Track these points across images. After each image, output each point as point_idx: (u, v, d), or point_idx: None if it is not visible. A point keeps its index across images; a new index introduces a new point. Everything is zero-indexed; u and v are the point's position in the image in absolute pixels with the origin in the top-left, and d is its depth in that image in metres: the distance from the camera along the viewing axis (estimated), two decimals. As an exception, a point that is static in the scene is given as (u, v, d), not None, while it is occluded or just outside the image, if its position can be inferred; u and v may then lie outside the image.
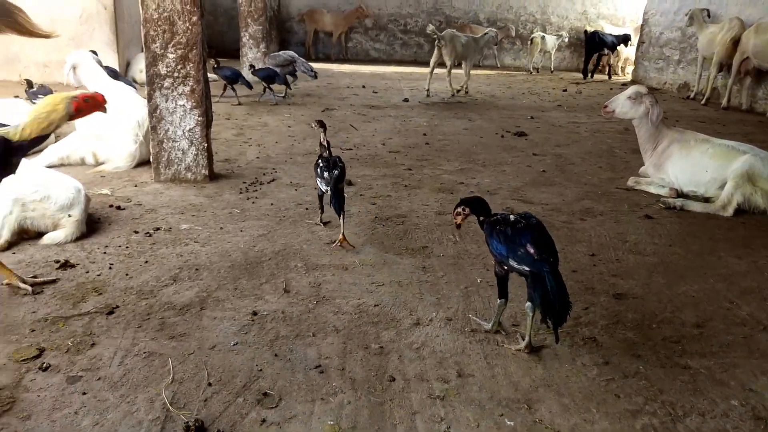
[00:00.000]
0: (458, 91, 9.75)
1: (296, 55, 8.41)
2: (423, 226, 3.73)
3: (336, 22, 14.52)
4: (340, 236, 3.35)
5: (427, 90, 9.46)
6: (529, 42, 13.99)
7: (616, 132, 7.18)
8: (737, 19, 9.06)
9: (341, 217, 3.34)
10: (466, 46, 9.37)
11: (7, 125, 2.57)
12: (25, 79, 6.71)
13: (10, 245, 3.11)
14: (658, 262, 3.36)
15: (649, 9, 12.57)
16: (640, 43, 12.89)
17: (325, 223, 3.64)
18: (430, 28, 9.12)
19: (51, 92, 5.55)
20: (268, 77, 7.97)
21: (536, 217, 2.37)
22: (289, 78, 8.41)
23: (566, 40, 14.18)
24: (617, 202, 4.42)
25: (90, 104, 2.65)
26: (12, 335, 2.33)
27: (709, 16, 9.92)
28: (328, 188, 3.35)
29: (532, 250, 2.21)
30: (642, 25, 13.01)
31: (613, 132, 7.18)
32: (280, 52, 8.62)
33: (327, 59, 14.77)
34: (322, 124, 3.57)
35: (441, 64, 9.28)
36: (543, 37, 13.85)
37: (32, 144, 2.55)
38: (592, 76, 13.22)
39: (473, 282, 2.99)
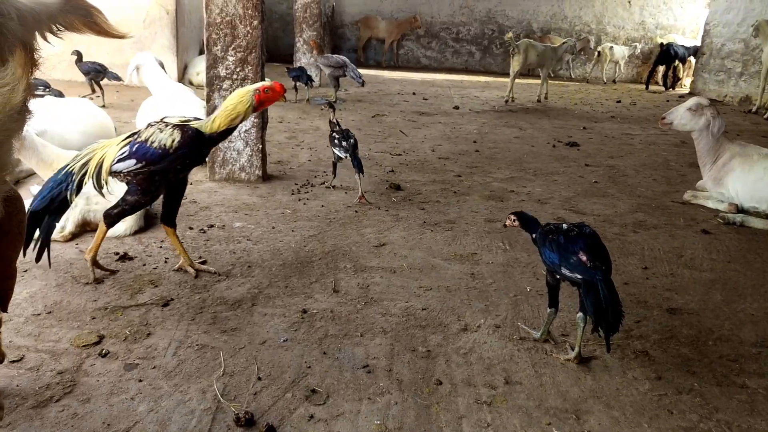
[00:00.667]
0: (538, 100, 10.19)
1: (348, 61, 8.50)
2: (472, 232, 3.72)
3: (389, 29, 14.63)
4: (360, 194, 4.13)
5: (509, 97, 9.83)
6: (596, 53, 13.72)
7: (672, 144, 6.99)
8: None
9: (360, 178, 4.13)
10: (542, 55, 9.60)
11: (200, 119, 2.78)
12: (75, 51, 7.02)
13: (73, 236, 3.25)
14: (716, 278, 3.25)
15: (711, 20, 12.21)
16: (701, 54, 12.53)
17: (333, 187, 4.33)
18: (508, 35, 9.28)
19: (48, 86, 5.72)
20: (296, 76, 8.26)
21: (590, 227, 2.35)
22: (332, 83, 8.56)
23: (639, 51, 13.97)
24: (672, 216, 4.30)
25: (270, 95, 2.76)
26: (74, 321, 2.43)
27: None
28: (347, 154, 4.08)
29: (584, 258, 2.19)
30: (703, 36, 12.65)
31: (668, 144, 7.00)
32: (333, 55, 8.74)
33: (378, 65, 14.89)
34: (331, 106, 4.42)
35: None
36: (611, 48, 13.65)
37: (221, 136, 2.74)
38: (673, 88, 13.11)
39: (522, 290, 2.96)
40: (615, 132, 7.70)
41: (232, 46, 4.22)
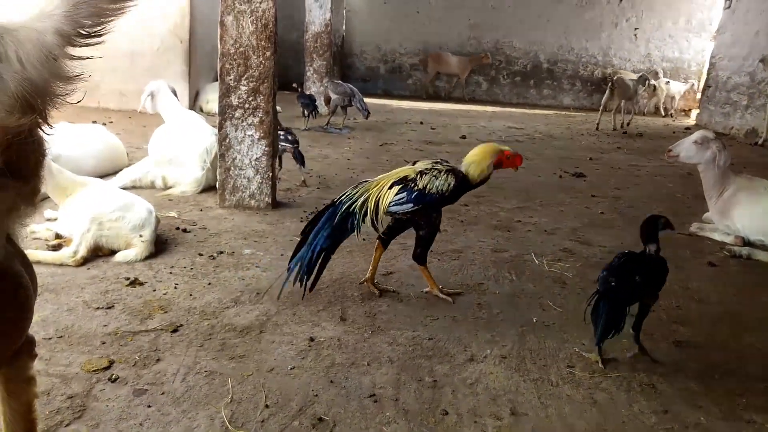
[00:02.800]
0: (621, 126, 11.29)
1: (356, 90, 8.64)
2: (479, 262, 3.74)
3: (461, 65, 14.88)
4: (302, 180, 5.21)
5: (597, 124, 11.11)
6: (653, 88, 13.69)
7: (678, 176, 7.02)
8: None
9: (303, 168, 5.20)
10: (631, 89, 10.93)
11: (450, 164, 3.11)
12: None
13: (85, 261, 3.29)
14: (723, 311, 3.25)
15: (717, 53, 12.34)
16: (706, 86, 12.62)
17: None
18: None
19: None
20: (306, 104, 8.39)
21: (655, 256, 2.54)
22: (341, 111, 8.68)
23: (695, 86, 14.12)
24: (679, 248, 4.31)
25: (509, 161, 3.05)
26: (85, 346, 2.46)
27: None
28: (293, 146, 5.07)
29: (603, 273, 2.50)
30: (708, 69, 12.76)
31: (674, 176, 7.03)
32: (343, 83, 8.88)
33: (438, 98, 15.07)
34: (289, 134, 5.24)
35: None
36: (668, 83, 13.86)
37: (477, 185, 3.10)
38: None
39: (529, 321, 2.97)
40: (621, 163, 7.75)
41: (245, 76, 4.31)
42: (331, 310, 2.94)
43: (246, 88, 4.33)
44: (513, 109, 13.86)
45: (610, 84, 10.79)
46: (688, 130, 10.89)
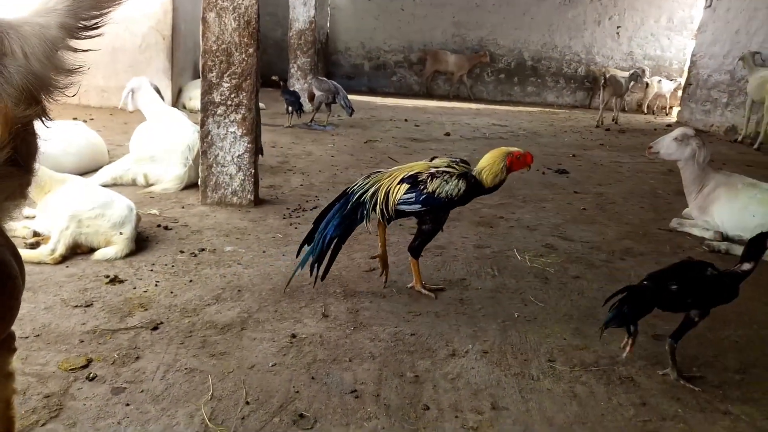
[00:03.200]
0: (613, 121, 11.77)
1: (340, 87, 8.61)
2: (461, 258, 3.75)
3: (459, 63, 14.83)
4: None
5: (599, 122, 11.40)
6: (645, 85, 13.79)
7: (659, 173, 7.09)
8: None
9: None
10: (623, 86, 11.25)
11: (466, 163, 3.09)
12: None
13: (64, 259, 3.25)
14: (701, 305, 3.29)
15: (698, 51, 12.47)
16: (687, 84, 12.76)
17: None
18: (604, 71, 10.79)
19: None
20: (291, 102, 8.33)
21: (718, 273, 2.43)
22: (325, 108, 8.65)
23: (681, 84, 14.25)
24: (659, 243, 4.35)
25: (520, 161, 3.02)
26: (62, 345, 2.43)
27: (762, 59, 9.81)
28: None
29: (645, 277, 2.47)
30: (689, 67, 12.89)
31: (655, 173, 7.09)
32: (327, 80, 8.85)
33: (443, 98, 15.06)
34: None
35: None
36: (660, 81, 13.95)
37: (490, 191, 3.07)
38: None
39: (510, 316, 2.98)
40: (604, 160, 7.81)
41: (228, 72, 4.28)
42: (314, 307, 2.93)
43: (228, 85, 4.30)
44: (497, 107, 13.91)
45: (603, 81, 11.03)
46: (669, 127, 10.99)
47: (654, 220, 4.96)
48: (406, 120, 10.26)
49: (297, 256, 3.03)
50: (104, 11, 1.16)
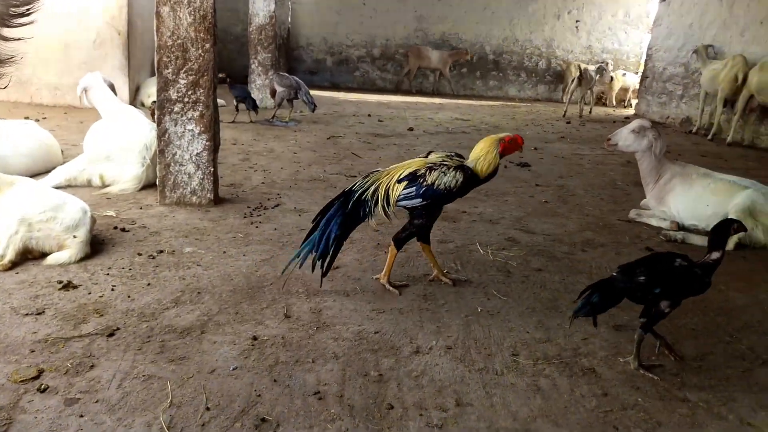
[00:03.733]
0: (586, 112, 12.26)
1: (301, 83, 8.53)
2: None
3: (442, 59, 14.80)
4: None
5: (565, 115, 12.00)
6: (610, 78, 13.90)
7: (619, 164, 7.21)
8: (740, 56, 9.15)
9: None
10: (593, 80, 11.80)
11: (462, 157, 3.14)
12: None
13: (14, 265, 3.13)
14: (659, 294, 3.34)
15: (653, 44, 12.73)
16: (644, 77, 13.02)
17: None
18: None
19: None
20: (242, 98, 8.14)
21: (687, 265, 2.45)
22: (287, 104, 8.54)
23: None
24: (618, 234, 4.42)
25: (512, 145, 3.07)
26: (11, 356, 2.33)
27: (714, 52, 10.07)
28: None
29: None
30: (646, 60, 13.16)
31: (615, 164, 7.22)
32: (288, 75, 8.74)
33: (422, 93, 14.96)
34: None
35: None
36: (624, 74, 14.17)
37: (486, 179, 3.11)
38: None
39: (474, 311, 2.98)
40: (565, 152, 7.91)
41: (184, 69, 4.17)
42: (275, 308, 2.88)
43: (185, 81, 4.20)
44: (460, 101, 13.98)
45: (578, 75, 11.60)
46: (628, 119, 11.21)
47: (613, 211, 5.04)
48: (369, 115, 10.22)
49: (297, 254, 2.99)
50: None
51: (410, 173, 3.02)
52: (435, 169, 3.01)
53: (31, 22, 1.10)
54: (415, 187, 2.99)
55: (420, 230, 3.14)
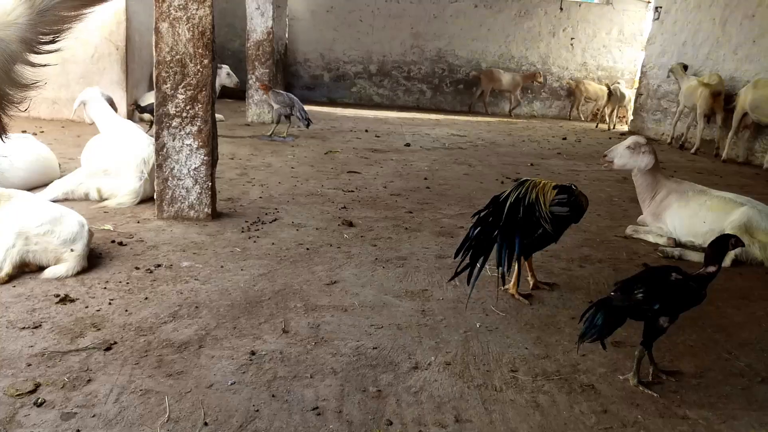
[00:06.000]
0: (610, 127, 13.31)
1: (296, 100, 8.56)
2: (423, 269, 3.74)
3: (514, 81, 14.96)
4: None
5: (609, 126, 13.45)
6: (608, 94, 13.99)
7: (615, 181, 7.25)
8: (716, 74, 9.68)
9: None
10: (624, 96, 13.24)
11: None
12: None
13: (11, 278, 3.12)
14: (657, 311, 3.35)
15: (648, 62, 12.85)
16: (638, 94, 13.13)
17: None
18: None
19: None
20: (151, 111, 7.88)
21: (683, 279, 2.48)
22: (285, 120, 8.56)
23: None
24: (615, 250, 4.44)
25: None
26: (8, 369, 2.32)
27: (685, 69, 10.41)
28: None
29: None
30: (640, 78, 13.28)
31: (611, 181, 7.25)
32: (283, 92, 8.78)
33: (487, 113, 15.03)
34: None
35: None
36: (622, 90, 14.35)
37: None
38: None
39: (472, 327, 2.98)
40: (561, 168, 7.95)
41: (182, 84, 4.19)
42: (273, 323, 2.87)
43: (183, 96, 4.22)
44: (456, 117, 14.05)
45: (608, 91, 13.21)
46: (623, 136, 11.28)
47: (610, 227, 5.06)
48: (366, 131, 10.27)
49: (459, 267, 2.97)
50: (65, 27, 1.13)
51: (558, 185, 3.24)
52: (576, 186, 3.30)
53: (58, 50, 1.13)
54: (567, 194, 3.20)
55: (546, 242, 3.33)
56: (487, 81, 15.05)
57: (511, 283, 3.39)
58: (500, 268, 3.01)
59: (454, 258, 3.03)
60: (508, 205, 3.10)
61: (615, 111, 13.82)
